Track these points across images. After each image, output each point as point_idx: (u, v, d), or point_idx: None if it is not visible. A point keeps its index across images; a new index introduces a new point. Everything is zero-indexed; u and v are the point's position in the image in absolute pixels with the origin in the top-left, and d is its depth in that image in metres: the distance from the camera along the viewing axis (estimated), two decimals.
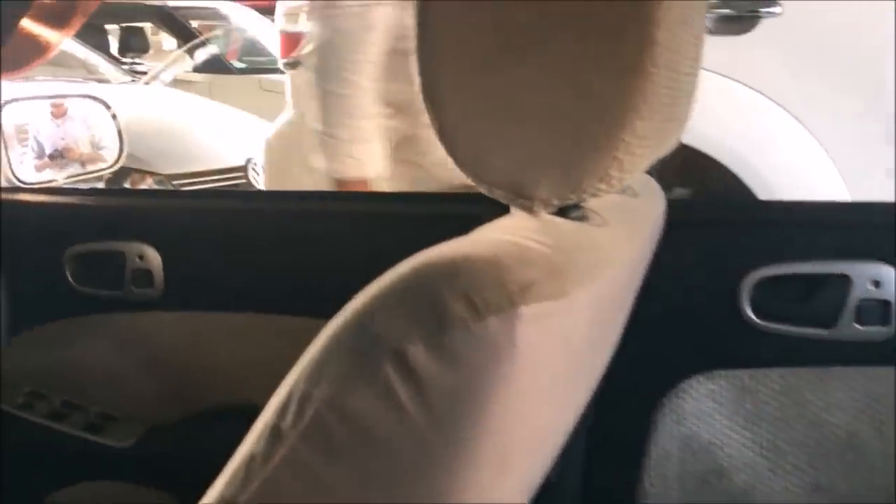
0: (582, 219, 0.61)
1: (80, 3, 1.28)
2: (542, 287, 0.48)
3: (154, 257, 1.27)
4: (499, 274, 0.47)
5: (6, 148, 1.41)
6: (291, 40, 2.51)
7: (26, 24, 1.25)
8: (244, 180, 3.61)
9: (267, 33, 6.02)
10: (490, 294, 0.46)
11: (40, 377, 1.37)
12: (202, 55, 5.59)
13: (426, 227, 1.19)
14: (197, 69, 5.47)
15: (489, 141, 0.54)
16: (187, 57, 5.62)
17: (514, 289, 0.47)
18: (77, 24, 1.32)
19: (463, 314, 0.45)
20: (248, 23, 6.15)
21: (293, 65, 2.53)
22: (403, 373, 0.44)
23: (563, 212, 0.58)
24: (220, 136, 3.82)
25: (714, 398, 1.07)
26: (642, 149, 0.54)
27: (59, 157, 1.53)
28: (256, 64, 5.70)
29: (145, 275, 1.28)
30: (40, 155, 1.50)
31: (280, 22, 2.52)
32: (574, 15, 0.50)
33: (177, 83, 5.12)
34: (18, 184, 1.42)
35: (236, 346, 1.27)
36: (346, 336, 0.47)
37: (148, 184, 3.25)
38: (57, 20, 1.29)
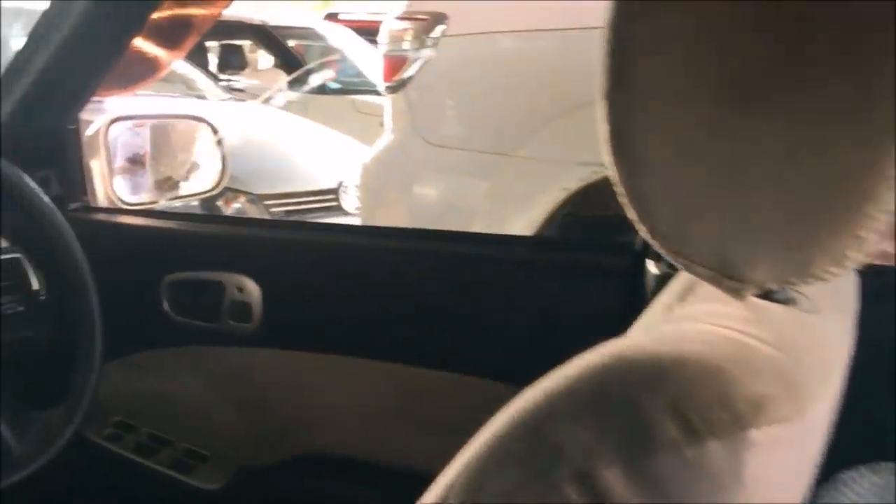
0: (788, 301, 0.50)
1: (193, 25, 1.24)
2: (777, 405, 0.37)
3: (253, 290, 1.21)
4: (722, 386, 0.37)
5: (110, 168, 1.37)
6: (395, 63, 2.46)
7: (140, 43, 1.21)
8: (335, 203, 3.58)
9: (362, 54, 6.05)
10: (712, 411, 0.36)
11: (130, 407, 1.32)
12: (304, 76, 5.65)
13: (548, 274, 1.09)
14: (292, 87, 5.52)
15: (695, 208, 0.44)
16: (283, 75, 5.68)
17: (743, 407, 0.36)
18: (189, 45, 1.28)
19: (674, 435, 0.35)
20: (345, 43, 6.19)
21: (396, 88, 2.48)
22: (590, 500, 0.34)
23: (767, 292, 0.47)
24: (313, 156, 3.81)
25: None
26: (887, 224, 0.43)
27: (137, 162, 1.49)
28: (350, 85, 5.71)
29: (243, 308, 1.21)
30: (123, 161, 1.47)
31: (384, 44, 2.47)
32: (827, 59, 0.39)
33: (270, 102, 5.17)
34: (120, 205, 1.38)
35: (335, 391, 1.19)
36: (516, 443, 0.37)
37: (241, 202, 3.24)
38: (170, 41, 1.25)
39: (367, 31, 6.33)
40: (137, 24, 1.16)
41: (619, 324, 1.01)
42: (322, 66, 6.21)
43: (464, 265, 1.12)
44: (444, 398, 1.10)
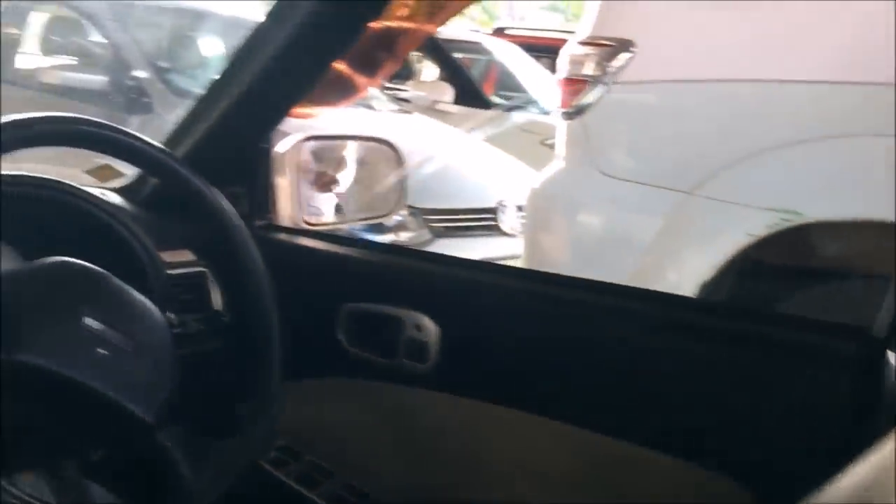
0: None
1: (400, 44, 1.20)
2: None
3: (432, 330, 1.15)
4: None
5: (297, 187, 1.36)
6: (573, 88, 2.38)
7: (342, 66, 1.19)
8: (493, 223, 3.53)
9: (527, 71, 5.99)
10: None
11: (296, 433, 1.30)
12: (462, 87, 5.65)
13: (763, 349, 0.97)
14: (456, 101, 5.53)
15: None
16: (447, 87, 5.70)
17: None
18: (394, 66, 1.25)
19: None
20: (510, 59, 6.15)
21: (572, 114, 2.40)
22: None
23: None
24: (474, 173, 3.78)
25: None
26: None
27: (319, 182, 1.47)
28: (514, 101, 5.67)
29: (420, 347, 1.16)
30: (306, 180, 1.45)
31: (564, 67, 2.39)
32: None
33: (432, 113, 5.19)
34: (303, 225, 1.36)
35: (508, 445, 1.12)
36: None
37: (402, 214, 3.24)
38: (375, 60, 1.22)
39: (534, 48, 6.28)
40: (345, 46, 1.14)
41: (847, 419, 0.90)
42: (486, 81, 6.21)
43: (667, 330, 1.02)
44: (633, 474, 1.01)
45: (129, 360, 0.91)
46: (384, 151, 1.49)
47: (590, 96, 2.32)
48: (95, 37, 4.22)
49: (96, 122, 0.97)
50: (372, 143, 1.51)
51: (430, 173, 3.50)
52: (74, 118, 0.96)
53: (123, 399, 0.89)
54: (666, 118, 2.19)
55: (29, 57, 4.27)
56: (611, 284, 1.12)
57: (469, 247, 3.41)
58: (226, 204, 1.10)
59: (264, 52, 1.15)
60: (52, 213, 1.12)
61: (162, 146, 1.06)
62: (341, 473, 1.25)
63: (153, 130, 3.60)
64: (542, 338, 1.09)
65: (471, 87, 5.81)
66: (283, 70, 1.16)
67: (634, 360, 1.02)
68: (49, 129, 0.92)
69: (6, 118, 0.88)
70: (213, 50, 4.44)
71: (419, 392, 1.18)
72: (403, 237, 3.16)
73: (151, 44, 4.20)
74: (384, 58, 1.21)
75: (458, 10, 1.18)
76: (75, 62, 4.23)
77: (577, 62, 2.36)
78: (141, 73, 3.80)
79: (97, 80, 3.85)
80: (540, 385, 1.10)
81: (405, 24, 1.14)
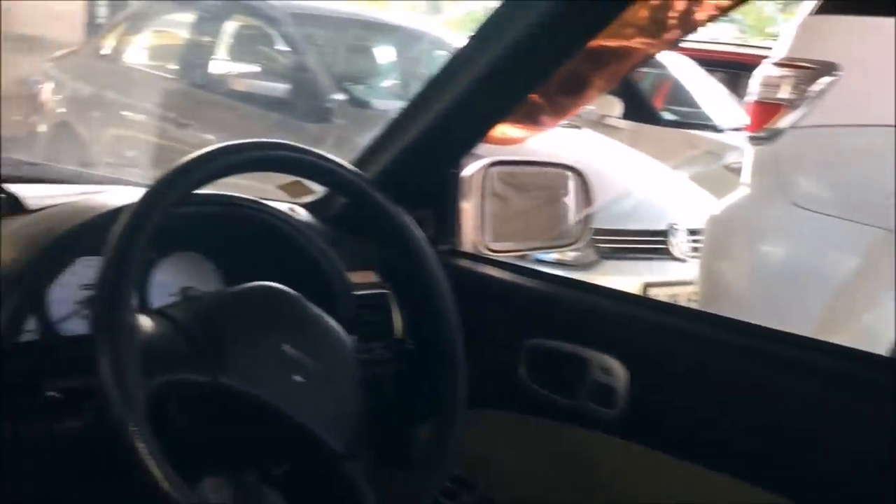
0: None
1: (610, 71, 1.15)
2: None
3: (621, 375, 1.09)
4: None
5: (482, 212, 1.33)
6: (766, 112, 2.24)
7: (547, 91, 1.14)
8: (663, 246, 3.39)
9: (701, 86, 5.76)
10: None
11: (469, 463, 1.27)
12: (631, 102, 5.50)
13: None
14: (625, 115, 5.39)
15: None
16: (616, 101, 5.56)
17: None
18: (601, 91, 1.20)
19: None
20: (683, 73, 5.94)
21: (763, 139, 2.26)
22: None
23: None
24: (644, 192, 3.65)
25: None
26: None
27: (502, 207, 1.43)
28: (686, 118, 5.46)
29: (607, 391, 1.10)
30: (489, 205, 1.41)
31: (756, 90, 2.26)
32: None
33: (600, 128, 5.08)
34: (486, 252, 1.33)
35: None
36: None
37: None
38: (582, 87, 1.17)
39: (707, 62, 6.03)
40: (557, 67, 1.09)
41: None
42: (656, 95, 6.03)
43: (862, 390, 0.92)
44: None
45: (323, 389, 0.90)
46: (572, 179, 1.44)
47: (785, 121, 2.18)
48: (280, 46, 4.42)
49: (298, 147, 0.98)
50: (559, 170, 1.46)
51: (600, 191, 3.40)
52: (279, 144, 0.97)
53: (316, 428, 0.89)
54: (871, 153, 2.02)
55: (220, 63, 4.53)
56: (835, 346, 1.02)
57: (636, 270, 3.30)
58: (415, 227, 1.08)
59: (466, 75, 1.13)
60: (249, 231, 1.15)
61: (355, 169, 1.06)
62: None
63: (333, 139, 3.71)
64: (746, 396, 1.01)
65: (641, 101, 5.64)
66: (485, 93, 1.13)
67: (859, 437, 0.92)
68: (257, 156, 0.94)
69: (218, 145, 0.90)
70: (391, 62, 4.55)
71: (602, 438, 1.12)
72: (569, 256, 3.08)
73: (332, 55, 4.35)
74: (596, 78, 1.15)
75: (691, 29, 1.09)
76: (259, 69, 4.45)
77: (771, 85, 2.22)
78: (321, 83, 3.94)
79: (280, 87, 4.02)
80: (733, 444, 1.01)
81: (627, 43, 1.07)
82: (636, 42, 1.07)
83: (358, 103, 3.93)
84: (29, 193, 1.11)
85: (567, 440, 1.17)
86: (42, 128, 4.92)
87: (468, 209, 1.35)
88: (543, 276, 1.26)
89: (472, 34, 1.14)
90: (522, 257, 1.54)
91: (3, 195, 1.11)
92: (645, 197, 3.63)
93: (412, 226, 1.07)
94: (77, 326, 1.07)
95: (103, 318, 0.78)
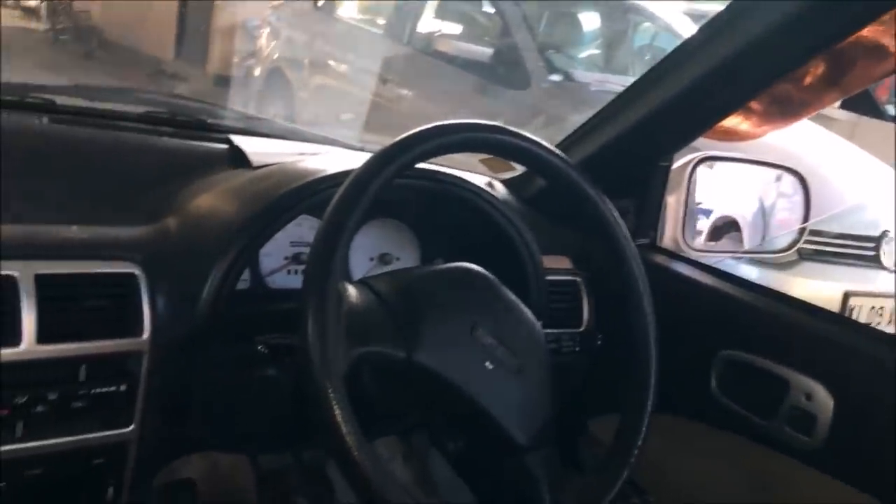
0: None
1: (869, 69, 1.04)
2: None
3: (825, 402, 1.01)
4: None
5: (686, 209, 1.27)
6: None
7: (783, 89, 1.06)
8: (871, 253, 3.12)
9: None
10: None
11: (644, 470, 1.23)
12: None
13: None
14: (842, 105, 4.98)
15: None
16: None
17: None
18: (851, 91, 1.10)
19: None
20: None
21: None
22: None
23: None
24: (859, 193, 3.36)
25: None
26: None
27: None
28: None
29: (807, 418, 1.03)
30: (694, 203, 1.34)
31: None
32: None
33: (816, 117, 4.72)
34: (686, 250, 1.28)
35: None
36: None
37: None
38: (829, 84, 1.07)
39: None
40: (788, 70, 1.01)
41: None
42: (879, 85, 5.52)
43: None
44: None
45: (513, 379, 0.90)
46: (790, 181, 1.34)
47: None
48: (486, 9, 4.42)
49: (513, 131, 0.96)
50: (776, 171, 1.37)
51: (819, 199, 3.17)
52: (495, 127, 0.96)
53: (500, 417, 0.88)
54: None
55: (427, 22, 4.59)
56: None
57: (838, 275, 3.06)
58: (618, 217, 1.04)
59: (695, 65, 1.07)
60: (449, 204, 1.15)
61: (561, 153, 1.03)
62: None
63: (529, 108, 3.68)
64: None
65: (862, 91, 5.19)
66: (714, 86, 1.07)
67: None
68: (472, 137, 0.93)
69: (436, 124, 0.90)
70: (594, 31, 4.43)
71: (796, 466, 1.05)
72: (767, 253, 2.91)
73: (536, 20, 4.29)
74: (842, 80, 1.05)
75: None
76: (463, 31, 4.47)
77: None
78: (524, 50, 3.90)
79: (482, 51, 4.02)
80: None
81: (882, 43, 0.97)
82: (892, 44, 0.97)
83: (555, 71, 3.86)
84: (252, 149, 1.17)
85: (756, 461, 1.11)
86: (256, 71, 5.20)
87: (672, 204, 1.29)
88: (745, 283, 1.19)
89: (706, 24, 1.07)
90: (722, 259, 1.47)
91: (230, 148, 1.18)
92: (858, 198, 3.35)
93: (615, 215, 1.03)
94: (284, 280, 1.12)
95: (314, 283, 0.81)
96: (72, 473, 0.92)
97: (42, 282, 0.86)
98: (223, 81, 6.85)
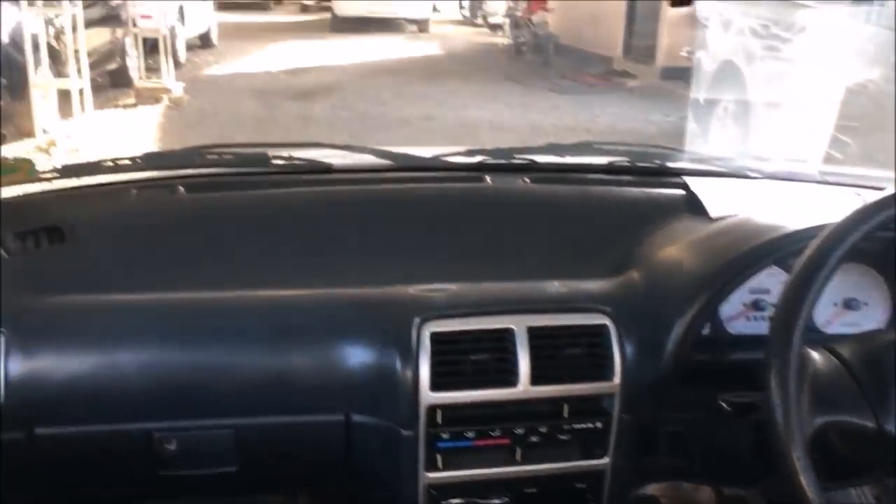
0: None
1: None
2: None
3: None
4: None
5: None
6: None
7: None
8: None
9: None
10: None
11: None
12: None
13: None
14: None
15: None
16: None
17: None
18: None
19: None
20: None
21: None
22: None
23: None
24: None
25: None
26: None
27: None
28: None
29: None
30: None
31: None
32: None
33: None
34: None
35: None
36: None
37: None
38: None
39: None
40: None
41: None
42: None
43: None
44: None
45: None
46: None
47: None
48: None
49: None
50: None
51: None
52: None
53: None
54: None
55: None
56: None
57: None
58: None
59: None
60: None
61: None
62: None
63: None
64: None
65: None
66: None
67: None
68: None
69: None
70: None
71: None
72: None
73: None
74: None
75: None
76: None
77: None
78: None
79: None
80: None
81: None
82: None
83: None
84: (709, 195, 1.22)
85: None
86: (707, 65, 5.13)
87: None
88: None
89: None
90: None
91: (687, 194, 1.24)
92: None
93: None
94: (743, 326, 1.15)
95: (779, 347, 0.83)
96: (560, 494, 1.08)
97: (534, 333, 1.01)
98: (672, 73, 6.88)
